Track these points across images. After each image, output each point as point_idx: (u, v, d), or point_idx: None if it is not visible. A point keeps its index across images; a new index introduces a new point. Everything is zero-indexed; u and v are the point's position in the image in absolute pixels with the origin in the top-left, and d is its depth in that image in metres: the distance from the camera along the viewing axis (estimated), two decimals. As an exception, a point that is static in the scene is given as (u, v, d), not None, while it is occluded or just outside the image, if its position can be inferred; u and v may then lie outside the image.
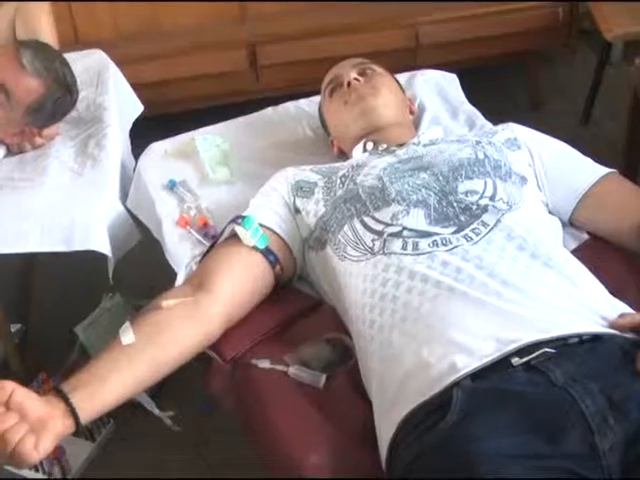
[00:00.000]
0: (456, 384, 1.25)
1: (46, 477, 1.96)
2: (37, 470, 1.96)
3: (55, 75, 2.00)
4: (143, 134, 2.18)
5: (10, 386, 1.24)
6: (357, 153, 1.78)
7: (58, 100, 2.02)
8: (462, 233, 1.46)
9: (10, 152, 2.07)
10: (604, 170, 1.67)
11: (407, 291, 1.40)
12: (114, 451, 2.07)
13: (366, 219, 1.54)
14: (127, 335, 1.38)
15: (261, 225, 1.58)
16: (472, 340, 1.29)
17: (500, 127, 1.78)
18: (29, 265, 2.48)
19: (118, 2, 2.85)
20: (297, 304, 1.63)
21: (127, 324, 1.41)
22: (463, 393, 1.24)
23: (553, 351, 1.25)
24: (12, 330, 2.19)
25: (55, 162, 2.01)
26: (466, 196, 1.53)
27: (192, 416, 1.93)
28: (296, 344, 1.53)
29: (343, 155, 1.88)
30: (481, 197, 1.52)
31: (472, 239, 1.45)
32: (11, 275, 2.36)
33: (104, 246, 1.86)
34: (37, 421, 1.23)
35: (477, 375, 1.25)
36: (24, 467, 1.24)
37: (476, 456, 1.15)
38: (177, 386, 1.95)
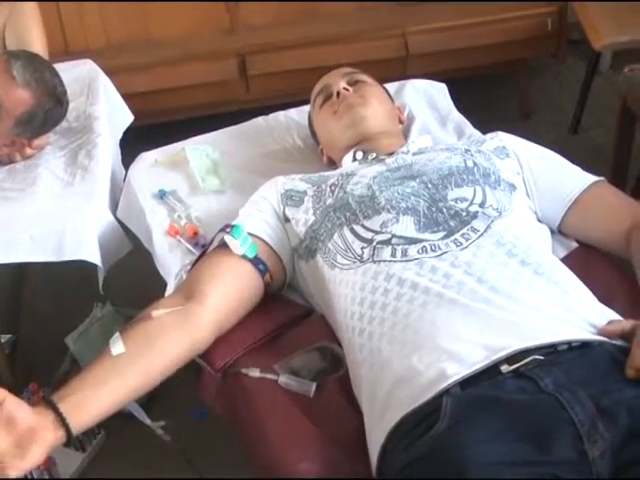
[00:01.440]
0: (446, 392, 1.24)
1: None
2: (26, 480, 1.96)
3: (45, 86, 1.99)
4: (133, 144, 2.18)
5: (1, 394, 1.24)
6: (347, 162, 1.78)
7: (48, 111, 2.02)
8: (451, 238, 1.47)
9: (0, 162, 2.07)
10: (592, 178, 1.68)
11: (396, 298, 1.40)
12: (105, 462, 2.05)
13: (356, 227, 1.54)
14: (117, 345, 1.38)
15: (250, 234, 1.58)
16: (461, 347, 1.29)
17: (489, 136, 1.79)
18: (20, 275, 2.47)
19: (108, 12, 2.86)
20: (287, 313, 1.62)
21: (117, 334, 1.41)
22: (452, 401, 1.23)
23: (542, 358, 1.26)
24: (2, 340, 2.17)
25: (45, 172, 2.01)
26: (456, 203, 1.53)
27: (184, 425, 1.92)
28: (286, 353, 1.52)
29: (333, 164, 1.89)
30: (471, 204, 1.53)
31: (462, 244, 1.45)
32: (2, 285, 2.35)
33: (94, 256, 1.85)
34: (27, 431, 1.23)
35: (466, 382, 1.25)
36: (10, 478, 1.23)
37: (466, 463, 1.15)
38: (168, 395, 1.95)
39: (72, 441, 1.32)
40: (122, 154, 2.19)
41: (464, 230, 1.48)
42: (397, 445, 1.25)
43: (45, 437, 1.25)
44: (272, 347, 1.56)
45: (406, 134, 1.96)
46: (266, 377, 1.47)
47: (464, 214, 1.51)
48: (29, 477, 1.94)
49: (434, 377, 1.26)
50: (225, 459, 1.91)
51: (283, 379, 1.47)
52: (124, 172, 2.08)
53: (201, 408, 1.56)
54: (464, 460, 1.16)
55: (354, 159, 1.77)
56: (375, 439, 1.30)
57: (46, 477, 1.95)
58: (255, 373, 1.48)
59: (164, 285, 1.72)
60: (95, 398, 1.33)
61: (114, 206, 1.99)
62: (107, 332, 1.79)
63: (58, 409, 1.27)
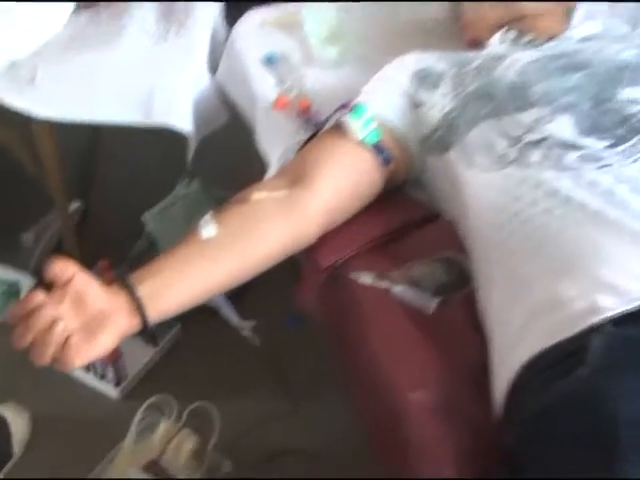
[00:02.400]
0: (595, 329, 1.08)
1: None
2: (88, 370, 1.88)
3: None
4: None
5: (72, 268, 1.13)
6: (496, 43, 1.60)
7: None
8: (619, 149, 1.28)
9: (80, 6, 1.91)
10: None
11: (544, 212, 1.23)
12: (176, 359, 1.96)
13: (502, 122, 1.37)
14: (209, 227, 1.28)
15: (374, 117, 1.43)
16: (621, 278, 1.12)
17: (672, 27, 1.61)
18: (96, 137, 2.41)
19: None
20: (409, 213, 1.49)
21: (209, 215, 1.30)
22: (603, 341, 1.07)
23: None
24: (71, 209, 2.13)
25: (134, 21, 1.88)
26: (626, 105, 1.34)
27: (272, 330, 1.81)
28: (404, 260, 1.38)
29: (474, 46, 1.68)
30: None
31: (630, 157, 1.26)
32: (75, 145, 2.26)
33: (185, 123, 1.74)
34: (98, 314, 1.14)
35: (621, 321, 1.08)
36: (68, 370, 1.13)
37: (614, 420, 1.00)
38: (258, 296, 1.83)
39: (146, 332, 1.22)
40: (226, 10, 2.01)
41: (634, 140, 1.29)
42: (529, 383, 1.12)
43: (118, 323, 1.15)
44: (388, 252, 1.42)
45: (570, 17, 1.71)
46: (380, 285, 1.35)
47: (635, 120, 1.32)
48: (92, 370, 1.86)
49: (583, 309, 1.11)
50: (317, 373, 1.79)
51: (399, 289, 1.34)
52: (226, 32, 1.93)
53: (297, 314, 1.46)
54: (612, 415, 1.01)
55: (504, 40, 1.60)
56: (503, 373, 1.16)
57: (110, 369, 1.87)
58: (367, 279, 1.36)
59: (264, 167, 1.59)
60: (180, 283, 1.24)
61: (212, 69, 1.85)
62: (190, 213, 1.76)
63: (135, 292, 1.18)
